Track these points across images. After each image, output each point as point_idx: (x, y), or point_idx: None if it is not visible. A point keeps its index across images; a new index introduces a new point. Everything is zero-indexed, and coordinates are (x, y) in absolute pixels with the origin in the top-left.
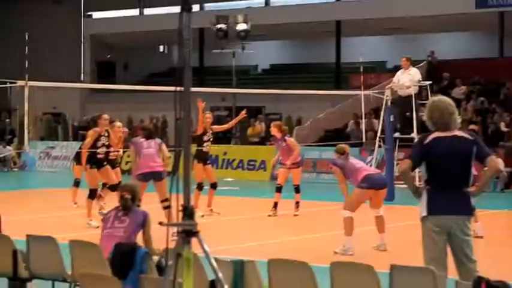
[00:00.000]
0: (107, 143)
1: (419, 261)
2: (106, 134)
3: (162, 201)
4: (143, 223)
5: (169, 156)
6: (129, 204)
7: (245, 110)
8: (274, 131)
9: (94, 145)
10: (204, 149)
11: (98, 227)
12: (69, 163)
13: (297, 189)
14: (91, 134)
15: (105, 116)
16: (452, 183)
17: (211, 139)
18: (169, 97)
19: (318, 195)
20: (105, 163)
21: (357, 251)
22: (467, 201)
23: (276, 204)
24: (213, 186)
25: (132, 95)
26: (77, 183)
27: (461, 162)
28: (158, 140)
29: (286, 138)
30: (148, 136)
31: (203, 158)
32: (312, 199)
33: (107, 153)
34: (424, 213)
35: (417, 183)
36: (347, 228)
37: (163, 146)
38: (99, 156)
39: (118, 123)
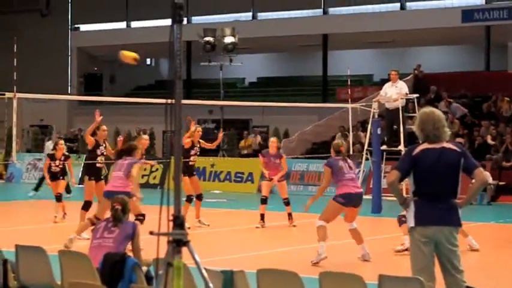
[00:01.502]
0: (105, 153)
1: (407, 272)
2: (104, 145)
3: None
4: (132, 234)
5: (135, 176)
6: (119, 215)
7: (221, 130)
8: (273, 147)
9: (94, 155)
10: (190, 163)
11: (88, 239)
12: None
13: (287, 202)
14: (91, 142)
15: (104, 127)
16: (440, 194)
17: (197, 153)
18: (156, 110)
19: None
20: (102, 177)
21: (344, 261)
22: (454, 213)
23: (262, 216)
24: (199, 197)
25: (119, 107)
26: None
27: (449, 173)
28: (130, 160)
29: (282, 155)
30: (119, 156)
31: (188, 170)
32: (299, 211)
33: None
34: (412, 224)
35: (404, 194)
36: (320, 235)
37: (134, 166)
38: (98, 165)
39: (145, 136)
